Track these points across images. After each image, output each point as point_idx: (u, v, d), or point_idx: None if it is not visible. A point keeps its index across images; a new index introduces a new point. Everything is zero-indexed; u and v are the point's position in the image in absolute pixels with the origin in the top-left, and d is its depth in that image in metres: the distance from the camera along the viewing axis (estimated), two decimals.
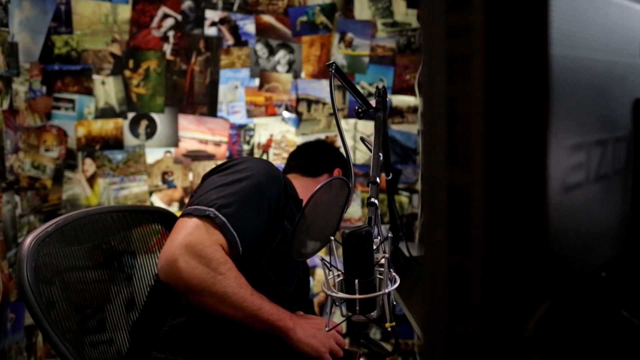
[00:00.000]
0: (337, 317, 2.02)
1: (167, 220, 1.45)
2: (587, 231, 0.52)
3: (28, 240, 1.08)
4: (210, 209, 1.09)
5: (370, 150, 1.00)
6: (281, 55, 2.25)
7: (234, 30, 2.22)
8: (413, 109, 2.28)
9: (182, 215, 1.12)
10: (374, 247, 0.77)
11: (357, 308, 0.75)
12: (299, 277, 1.33)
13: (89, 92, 2.15)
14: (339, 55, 2.26)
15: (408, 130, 2.29)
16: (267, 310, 1.12)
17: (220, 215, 1.09)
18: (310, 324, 1.18)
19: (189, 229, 1.07)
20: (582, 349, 0.53)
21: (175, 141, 2.22)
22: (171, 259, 1.04)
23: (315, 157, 1.55)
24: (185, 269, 1.04)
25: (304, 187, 1.45)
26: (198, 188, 1.22)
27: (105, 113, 2.17)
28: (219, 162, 2.23)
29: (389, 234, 0.81)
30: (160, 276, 1.08)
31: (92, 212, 1.27)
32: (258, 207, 1.16)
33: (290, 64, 2.25)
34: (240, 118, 2.24)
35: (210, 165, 2.23)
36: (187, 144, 2.22)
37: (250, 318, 1.10)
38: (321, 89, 2.26)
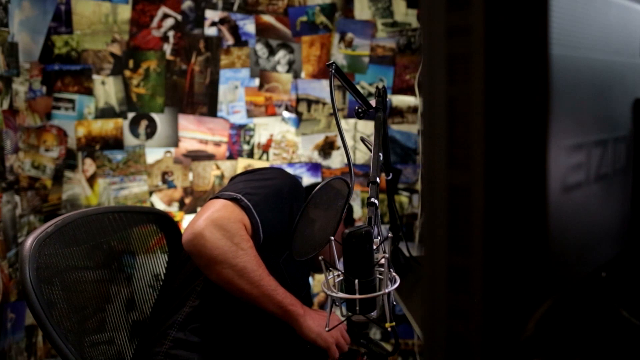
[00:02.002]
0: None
1: (162, 222, 1.45)
2: (587, 231, 0.52)
3: (29, 241, 1.08)
4: (237, 194, 1.16)
5: (370, 150, 1.00)
6: (281, 55, 2.24)
7: (234, 30, 2.22)
8: (413, 109, 2.28)
9: (210, 199, 1.18)
10: (374, 247, 0.77)
11: (357, 308, 0.75)
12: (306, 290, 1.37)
13: (89, 92, 2.15)
14: (339, 55, 2.26)
15: (408, 130, 2.29)
16: (282, 293, 1.16)
17: (245, 200, 1.15)
18: (320, 316, 1.21)
19: (216, 207, 1.14)
20: (582, 349, 0.53)
21: (175, 141, 2.22)
22: (197, 229, 1.10)
23: None
24: (210, 239, 1.09)
25: None
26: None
27: (105, 113, 2.17)
28: (219, 162, 2.26)
29: (389, 234, 0.81)
30: (185, 247, 1.12)
31: (90, 212, 1.27)
32: (280, 205, 1.23)
33: (290, 64, 2.25)
34: (240, 118, 2.24)
35: (210, 165, 2.24)
36: (187, 144, 2.22)
37: (264, 297, 1.13)
38: (321, 89, 2.26)
